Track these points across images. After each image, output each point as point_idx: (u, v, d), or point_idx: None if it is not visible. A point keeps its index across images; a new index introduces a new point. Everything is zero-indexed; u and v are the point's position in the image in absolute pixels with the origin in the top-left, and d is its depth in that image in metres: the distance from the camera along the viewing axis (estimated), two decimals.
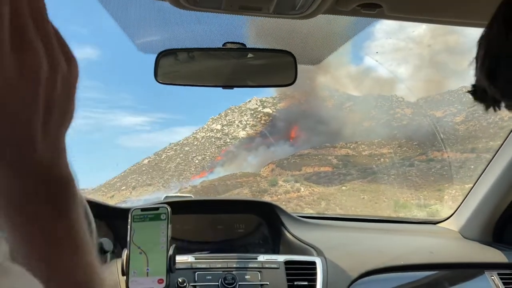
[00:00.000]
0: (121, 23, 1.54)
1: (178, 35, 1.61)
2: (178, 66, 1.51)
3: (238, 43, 1.45)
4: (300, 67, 1.47)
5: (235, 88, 1.53)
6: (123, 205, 1.89)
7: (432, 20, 1.26)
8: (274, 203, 2.05)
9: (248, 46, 1.45)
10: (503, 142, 1.88)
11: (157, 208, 1.22)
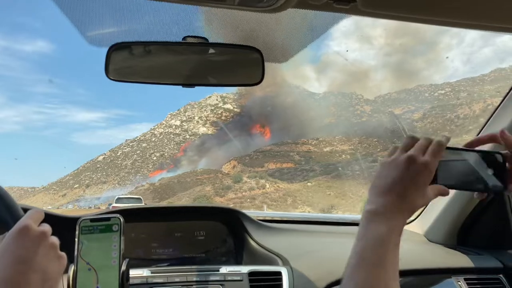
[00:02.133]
0: (69, 13, 1.40)
1: (133, 27, 1.50)
2: (132, 61, 1.39)
3: (200, 37, 1.36)
4: (266, 65, 1.39)
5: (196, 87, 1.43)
6: (71, 214, 1.75)
7: (409, 18, 1.21)
8: (236, 209, 1.98)
9: (210, 41, 1.36)
10: None
11: (108, 219, 1.12)
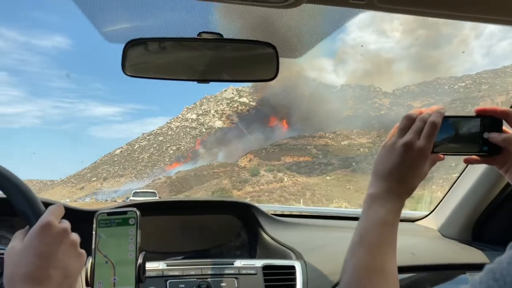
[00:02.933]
0: (86, 9, 1.43)
1: (149, 23, 1.52)
2: (148, 57, 1.41)
3: (215, 33, 1.37)
4: (280, 60, 1.40)
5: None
6: (88, 208, 1.79)
7: (425, 12, 1.20)
8: (250, 203, 2.00)
9: (225, 37, 1.37)
10: None
11: (125, 212, 1.13)
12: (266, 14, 1.44)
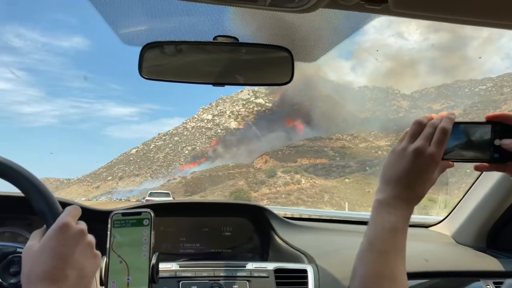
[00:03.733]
0: (103, 12, 1.46)
1: (165, 26, 1.54)
2: (164, 60, 1.44)
3: (230, 36, 1.38)
4: (296, 64, 1.41)
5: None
6: (102, 208, 1.83)
7: (441, 18, 1.20)
8: (263, 205, 2.01)
9: (241, 40, 1.38)
10: None
11: (139, 213, 1.15)
12: (282, 18, 1.45)
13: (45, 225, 0.91)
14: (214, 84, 1.43)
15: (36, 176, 0.98)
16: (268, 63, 1.45)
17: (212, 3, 1.21)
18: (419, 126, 0.94)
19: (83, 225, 0.90)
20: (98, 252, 0.93)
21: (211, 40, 1.37)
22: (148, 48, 1.39)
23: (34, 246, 0.84)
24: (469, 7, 1.14)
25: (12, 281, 1.24)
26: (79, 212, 0.92)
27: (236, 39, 1.38)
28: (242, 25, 1.48)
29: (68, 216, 0.87)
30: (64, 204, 1.01)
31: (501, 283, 1.75)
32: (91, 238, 0.91)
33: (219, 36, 1.38)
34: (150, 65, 1.40)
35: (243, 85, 1.43)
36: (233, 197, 66.50)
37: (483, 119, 0.98)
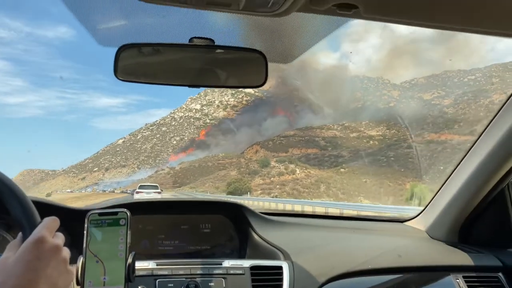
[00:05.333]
0: (77, 12, 1.47)
1: (141, 27, 1.56)
2: (140, 62, 1.46)
3: (206, 38, 1.41)
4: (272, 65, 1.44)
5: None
6: (81, 207, 1.86)
7: (409, 22, 1.24)
8: (240, 203, 2.05)
9: (217, 42, 1.41)
10: (474, 143, 1.94)
11: (116, 213, 1.18)
12: (258, 21, 1.48)
13: (20, 234, 0.93)
14: (190, 86, 1.46)
15: (15, 183, 0.99)
16: (242, 66, 1.49)
17: (186, 7, 1.24)
18: None
19: (59, 240, 0.92)
20: (72, 268, 0.95)
21: (187, 42, 1.40)
22: (123, 49, 1.41)
23: (9, 258, 0.86)
24: (435, 13, 1.19)
25: None
26: (56, 225, 0.94)
27: (212, 41, 1.41)
28: (218, 27, 1.51)
29: (45, 229, 0.89)
30: (43, 205, 1.02)
31: (471, 277, 1.83)
32: (65, 253, 0.93)
33: (195, 37, 1.40)
34: (126, 67, 1.42)
35: (218, 87, 1.46)
36: (232, 188, 65.56)
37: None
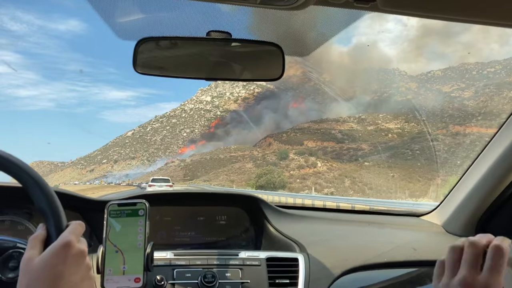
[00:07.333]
0: (97, 5, 1.53)
1: (160, 21, 1.61)
2: (158, 55, 1.51)
3: (224, 32, 1.45)
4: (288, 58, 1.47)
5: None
6: (100, 198, 1.93)
7: (426, 15, 1.28)
8: (256, 195, 2.11)
9: (234, 35, 1.45)
10: (492, 138, 1.95)
11: (134, 204, 1.22)
12: (275, 14, 1.52)
13: (41, 225, 0.96)
14: (207, 79, 1.51)
15: (38, 173, 1.01)
16: (259, 59, 1.52)
17: (204, 1, 1.29)
18: (457, 253, 0.83)
19: (84, 245, 0.94)
20: (95, 275, 0.98)
21: (205, 36, 1.45)
22: (142, 42, 1.46)
23: (34, 258, 0.88)
24: (452, 5, 1.22)
25: (10, 275, 1.30)
26: (82, 230, 0.96)
27: (229, 34, 1.45)
28: (235, 20, 1.56)
29: (72, 235, 0.92)
30: (63, 195, 1.05)
31: None
32: (89, 259, 0.96)
33: (212, 31, 1.44)
34: (145, 61, 1.47)
35: (235, 80, 1.51)
36: (263, 180, 63.62)
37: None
